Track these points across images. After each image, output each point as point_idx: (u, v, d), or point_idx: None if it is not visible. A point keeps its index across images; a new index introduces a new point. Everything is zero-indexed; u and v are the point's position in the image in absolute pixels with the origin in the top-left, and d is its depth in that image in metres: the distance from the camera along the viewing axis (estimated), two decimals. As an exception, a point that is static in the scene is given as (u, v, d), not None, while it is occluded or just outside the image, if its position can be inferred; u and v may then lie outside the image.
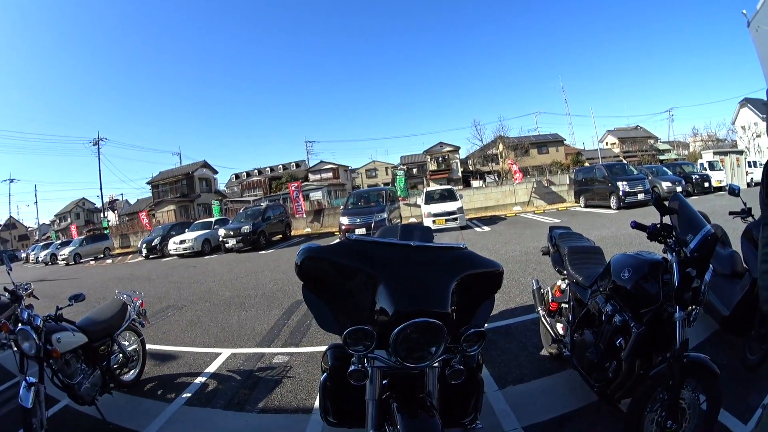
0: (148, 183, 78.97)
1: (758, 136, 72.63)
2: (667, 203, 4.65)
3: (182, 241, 30.50)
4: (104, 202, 78.72)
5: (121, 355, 7.03)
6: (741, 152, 50.56)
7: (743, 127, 76.56)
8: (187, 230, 33.98)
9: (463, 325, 3.52)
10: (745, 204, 7.51)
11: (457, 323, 3.57)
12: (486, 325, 7.89)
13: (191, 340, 9.66)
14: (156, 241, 33.63)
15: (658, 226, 4.48)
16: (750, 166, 45.58)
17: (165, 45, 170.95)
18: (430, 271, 3.66)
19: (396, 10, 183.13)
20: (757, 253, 5.84)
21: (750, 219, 7.25)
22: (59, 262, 42.65)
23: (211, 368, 7.82)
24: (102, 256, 43.77)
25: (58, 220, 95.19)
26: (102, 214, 74.93)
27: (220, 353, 8.49)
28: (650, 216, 4.60)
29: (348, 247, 3.84)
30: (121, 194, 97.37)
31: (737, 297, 6.30)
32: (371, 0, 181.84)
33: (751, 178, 43.21)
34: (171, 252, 30.72)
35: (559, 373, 6.37)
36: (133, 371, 7.37)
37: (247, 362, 7.96)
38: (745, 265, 6.61)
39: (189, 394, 6.88)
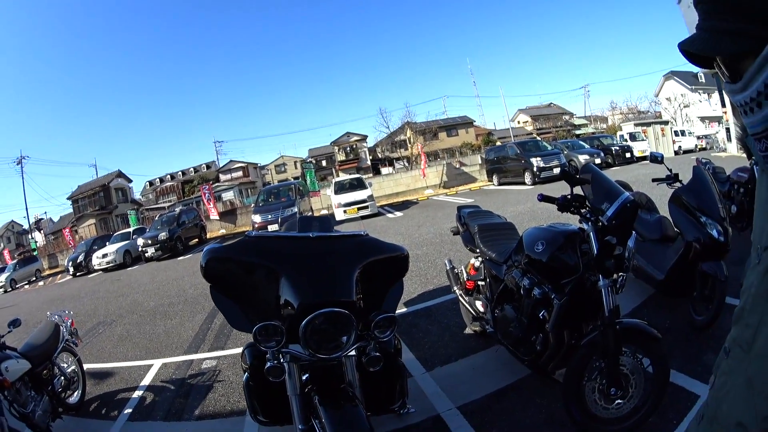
0: (68, 198, 77.24)
1: (686, 106, 74.75)
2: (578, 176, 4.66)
3: (104, 255, 30.07)
4: (30, 222, 77.17)
5: (62, 377, 6.87)
6: (666, 122, 52.23)
7: (668, 99, 78.31)
8: (108, 243, 33.46)
9: (373, 312, 3.56)
10: (670, 170, 7.58)
11: (366, 310, 3.63)
12: (404, 309, 8.20)
13: (123, 354, 9.56)
14: (81, 258, 32.97)
15: (568, 197, 4.47)
16: (677, 135, 46.80)
17: (60, 47, 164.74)
18: (332, 261, 3.73)
19: (292, 5, 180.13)
20: (691, 217, 6.28)
21: (677, 184, 7.28)
22: None
23: (146, 381, 7.77)
24: (34, 278, 42.59)
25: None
26: (30, 236, 73.31)
27: (152, 364, 8.45)
28: (568, 189, 4.58)
29: (249, 244, 3.86)
30: (45, 212, 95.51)
31: (671, 260, 6.44)
32: None
33: (679, 147, 44.62)
34: (96, 267, 30.21)
35: (486, 350, 6.41)
36: (76, 393, 7.22)
37: (178, 371, 7.94)
38: (676, 229, 6.72)
39: (130, 410, 6.81)
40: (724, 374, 1.51)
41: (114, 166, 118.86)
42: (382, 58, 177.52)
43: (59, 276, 38.35)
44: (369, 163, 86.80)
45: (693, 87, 75.07)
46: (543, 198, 4.72)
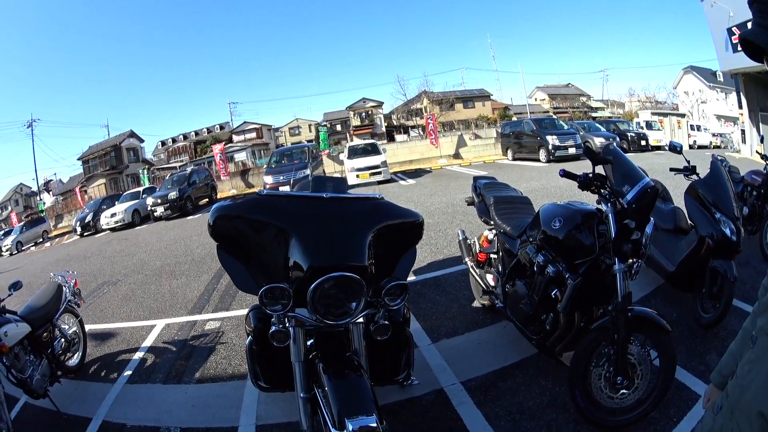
0: (78, 159, 77.19)
1: (704, 102, 74.01)
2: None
3: (113, 215, 29.99)
4: (39, 184, 77.24)
5: (63, 339, 6.83)
6: (683, 115, 52.47)
7: (686, 92, 77.93)
8: (117, 203, 33.27)
9: (384, 278, 3.51)
10: (688, 162, 7.51)
11: (377, 276, 3.58)
12: (413, 277, 8.11)
13: (127, 314, 9.56)
14: (89, 218, 32.89)
15: (590, 175, 4.42)
16: (692, 129, 46.81)
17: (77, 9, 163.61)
18: (345, 224, 3.68)
19: None
20: (706, 212, 6.22)
21: (694, 177, 7.24)
22: (4, 254, 40.72)
23: (148, 342, 7.78)
24: (41, 240, 42.40)
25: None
26: (38, 197, 73.32)
27: (155, 325, 8.46)
28: (582, 169, 4.58)
29: (259, 202, 3.82)
30: (55, 174, 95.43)
31: (683, 253, 6.38)
32: None
33: (694, 141, 44.37)
34: (103, 227, 30.20)
35: (493, 325, 6.39)
36: (76, 355, 7.19)
37: (180, 332, 7.97)
38: (690, 221, 6.69)
39: (130, 372, 6.81)
40: (749, 363, 1.51)
41: (126, 126, 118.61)
42: (402, 26, 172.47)
43: (66, 236, 38.46)
44: (384, 129, 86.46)
45: (711, 84, 73.74)
46: (565, 174, 4.65)
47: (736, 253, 5.94)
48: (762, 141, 13.71)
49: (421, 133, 69.30)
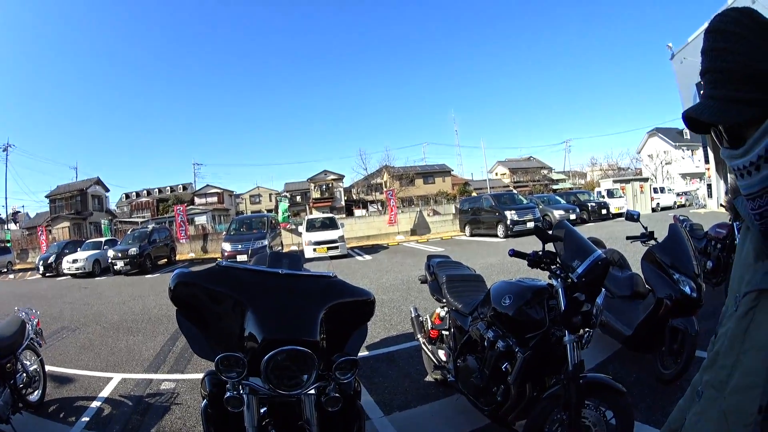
0: (46, 196, 76.94)
1: (668, 163, 75.76)
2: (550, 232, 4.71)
3: (75, 261, 29.75)
4: (8, 213, 76.73)
5: (24, 374, 6.82)
6: (646, 179, 52.15)
7: (650, 156, 79.42)
8: (79, 249, 33.12)
9: (335, 353, 3.54)
10: (645, 228, 7.68)
11: (328, 351, 3.60)
12: (367, 352, 8.13)
13: (85, 363, 9.50)
14: (51, 259, 32.73)
15: (540, 253, 4.49)
16: (656, 192, 47.57)
17: (59, 53, 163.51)
18: (299, 299, 3.71)
19: (283, 35, 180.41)
20: (663, 274, 6.33)
21: (652, 242, 7.38)
22: None
23: (105, 392, 7.71)
24: (5, 270, 42.07)
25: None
26: (5, 226, 72.60)
27: (112, 377, 8.38)
28: (540, 244, 4.65)
29: (218, 273, 3.83)
30: (23, 206, 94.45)
31: (640, 317, 6.43)
32: (257, 22, 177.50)
33: (657, 203, 45.37)
34: (65, 271, 29.92)
35: (446, 398, 6.40)
36: (37, 391, 7.18)
37: (136, 388, 7.88)
38: (647, 286, 6.75)
39: (87, 418, 6.76)
40: (696, 414, 1.58)
41: (94, 172, 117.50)
42: (367, 100, 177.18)
43: (29, 273, 38.05)
44: (343, 203, 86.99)
45: (677, 144, 76.43)
46: (514, 253, 4.74)
47: (697, 308, 6.09)
48: (727, 193, 14.00)
49: (380, 208, 69.67)
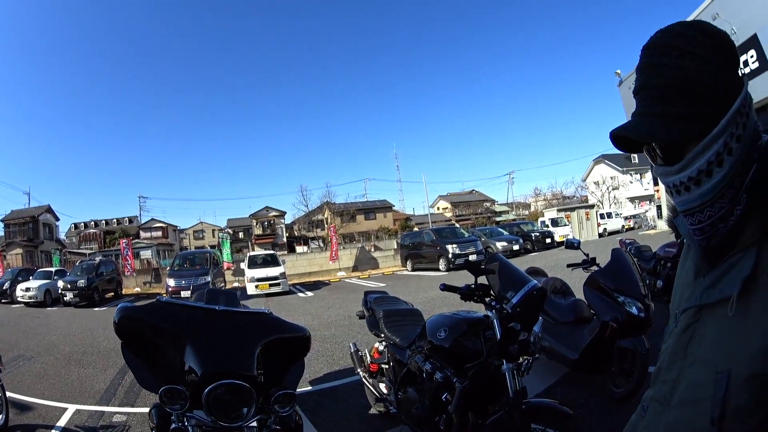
0: (1, 221, 75.06)
1: (615, 188, 76.64)
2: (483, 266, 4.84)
3: (28, 289, 29.47)
4: (-40, 234, 74.64)
5: None
6: (592, 206, 52.88)
7: (596, 183, 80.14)
8: (31, 278, 32.77)
9: (274, 387, 3.66)
10: (587, 255, 7.91)
11: (267, 385, 3.72)
12: (309, 387, 8.31)
13: (41, 392, 9.56)
14: (6, 285, 32.40)
15: (472, 286, 4.62)
16: (602, 217, 48.50)
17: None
18: (235, 335, 3.84)
19: (231, 67, 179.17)
20: (607, 298, 6.52)
21: (594, 268, 7.56)
22: None
23: (62, 422, 7.81)
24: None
25: None
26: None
27: (67, 408, 8.44)
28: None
29: (159, 308, 3.98)
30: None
31: (586, 340, 6.60)
32: (195, 57, 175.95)
33: (604, 229, 46.41)
34: (18, 299, 29.64)
35: (390, 429, 6.52)
36: (1, 415, 7.30)
37: (90, 419, 7.97)
38: (591, 310, 6.91)
39: None
40: (643, 428, 1.66)
41: (46, 199, 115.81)
42: (308, 135, 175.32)
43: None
44: (285, 240, 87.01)
45: (624, 169, 77.52)
46: (446, 287, 4.84)
47: (647, 327, 6.30)
48: (668, 219, 14.54)
49: (322, 244, 69.83)
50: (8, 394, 8.11)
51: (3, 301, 31.95)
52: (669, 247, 10.88)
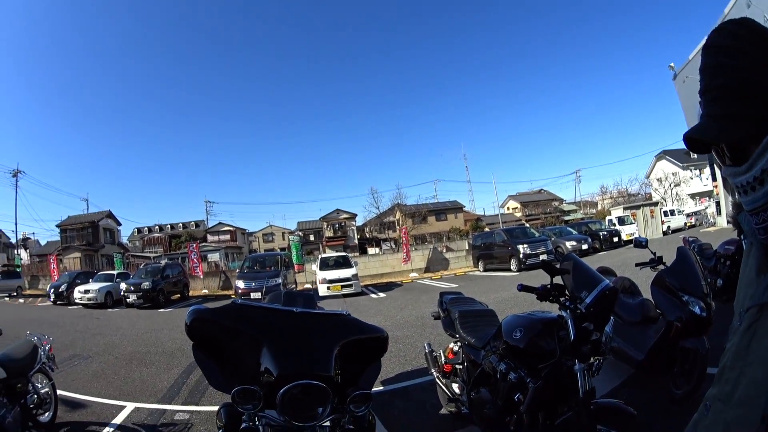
0: (57, 226, 77.21)
1: (677, 185, 75.52)
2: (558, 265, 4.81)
3: (87, 291, 29.75)
4: (18, 239, 76.74)
5: (35, 395, 6.92)
6: (656, 203, 52.26)
7: (659, 179, 79.32)
8: (91, 280, 33.16)
9: (350, 387, 3.56)
10: (654, 254, 7.80)
11: (343, 385, 3.63)
12: (382, 387, 8.18)
13: (97, 390, 9.54)
14: (63, 288, 32.87)
15: (548, 286, 4.62)
16: (666, 215, 47.44)
17: (76, 86, 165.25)
18: (313, 336, 3.78)
19: (302, 75, 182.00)
20: (673, 297, 6.41)
21: (661, 267, 7.46)
22: None
23: (118, 420, 7.75)
24: (15, 294, 42.56)
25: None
26: (15, 251, 72.86)
27: (125, 406, 8.39)
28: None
29: (233, 310, 3.89)
30: (33, 233, 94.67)
31: (651, 341, 6.51)
32: (276, 65, 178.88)
33: (668, 227, 45.30)
34: (76, 300, 29.92)
35: (460, 430, 6.39)
36: (48, 413, 7.27)
37: (150, 417, 7.90)
38: (658, 310, 6.78)
39: None
40: (704, 428, 1.60)
41: (105, 205, 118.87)
42: (377, 139, 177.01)
43: (39, 299, 38.22)
44: (356, 241, 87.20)
45: (685, 164, 76.06)
46: (523, 288, 4.88)
47: (708, 327, 6.14)
48: (730, 216, 13.97)
49: (393, 246, 69.59)
50: (60, 392, 8.16)
51: (59, 302, 32.40)
52: (728, 244, 10.65)
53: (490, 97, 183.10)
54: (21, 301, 38.28)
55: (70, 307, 29.97)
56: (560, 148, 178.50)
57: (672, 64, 40.35)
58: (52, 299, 33.03)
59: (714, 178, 45.32)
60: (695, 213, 55.39)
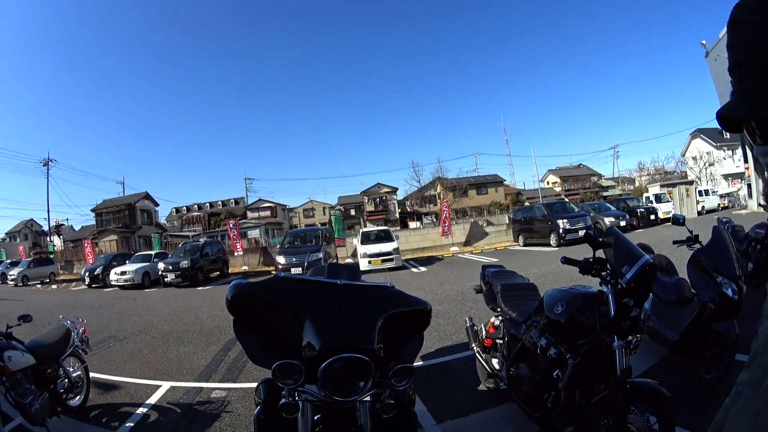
0: (92, 210, 78.31)
1: (711, 164, 75.24)
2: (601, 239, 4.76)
3: (123, 273, 30.17)
4: (51, 226, 77.87)
5: (66, 380, 6.97)
6: (691, 182, 52.21)
7: (694, 158, 78.93)
8: (128, 261, 33.61)
9: (392, 361, 3.55)
10: (691, 232, 7.76)
11: (385, 359, 3.62)
12: (421, 362, 8.16)
13: (132, 371, 9.61)
14: (98, 271, 33.26)
15: (591, 260, 4.58)
16: (701, 195, 47.11)
17: (110, 71, 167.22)
18: (357, 309, 3.71)
19: (340, 48, 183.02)
20: (707, 278, 6.36)
21: (697, 246, 7.43)
22: (9, 282, 42.26)
23: (152, 399, 7.79)
24: (48, 280, 43.14)
25: (8, 239, 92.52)
26: (48, 238, 74.08)
27: (160, 386, 8.46)
28: (591, 251, 4.72)
29: (276, 284, 3.89)
30: (67, 219, 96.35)
31: (686, 321, 6.45)
32: (314, 38, 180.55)
33: (702, 206, 45.03)
34: (112, 282, 30.36)
35: (498, 406, 6.37)
36: (78, 397, 7.31)
37: (186, 396, 7.93)
38: (693, 290, 6.75)
39: (132, 424, 6.84)
40: (735, 414, 1.55)
41: (142, 186, 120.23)
42: (418, 112, 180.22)
43: (74, 284, 38.83)
44: (397, 215, 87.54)
45: (718, 144, 75.83)
46: (566, 261, 4.85)
47: (739, 311, 6.10)
48: (764, 191, 13.87)
49: (434, 220, 69.47)
50: (94, 374, 8.29)
51: (94, 286, 32.85)
52: (759, 228, 10.56)
53: (529, 69, 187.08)
54: (54, 287, 38.73)
55: (105, 290, 30.30)
56: (599, 123, 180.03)
57: (704, 42, 40.04)
58: (86, 283, 33.54)
59: (746, 160, 45.34)
60: (728, 194, 55.12)
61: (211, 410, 7.28)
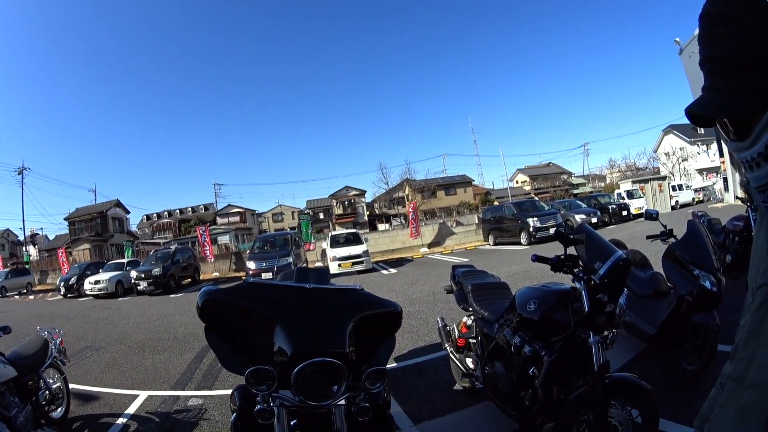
0: (65, 219, 77.86)
1: (684, 160, 75.76)
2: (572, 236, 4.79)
3: (97, 282, 30.03)
4: (26, 236, 77.80)
5: (47, 391, 6.95)
6: (664, 178, 52.10)
7: (666, 154, 79.46)
8: (101, 270, 33.52)
9: (364, 364, 3.56)
10: (665, 226, 7.79)
11: (358, 362, 3.62)
12: (395, 364, 8.17)
13: (110, 381, 9.59)
14: (73, 280, 33.21)
15: (562, 257, 4.57)
16: (674, 189, 47.69)
17: (78, 77, 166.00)
18: (327, 313, 3.74)
19: (299, 49, 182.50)
20: (684, 271, 6.41)
21: (672, 240, 7.46)
22: None
23: (131, 409, 7.77)
24: (25, 291, 42.94)
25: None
26: (24, 248, 73.39)
27: (138, 395, 8.44)
28: (562, 249, 4.70)
29: (245, 289, 3.90)
30: (41, 228, 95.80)
31: (663, 315, 6.48)
32: (272, 39, 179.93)
33: (676, 201, 45.53)
34: (87, 292, 30.24)
35: (475, 405, 6.40)
36: (60, 408, 7.30)
37: (163, 404, 7.93)
38: (669, 284, 6.80)
39: None
40: (719, 407, 1.55)
41: (113, 194, 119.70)
42: (384, 114, 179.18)
43: (50, 294, 38.55)
44: (366, 218, 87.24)
45: (692, 140, 76.26)
46: (537, 258, 4.81)
47: (718, 303, 6.14)
48: (742, 182, 14.04)
49: (403, 221, 68.95)
50: (73, 386, 8.28)
51: (69, 295, 32.74)
52: (736, 220, 10.67)
53: (497, 68, 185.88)
54: (31, 297, 38.50)
55: (80, 299, 30.12)
56: (568, 121, 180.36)
57: (677, 39, 40.21)
58: (62, 293, 33.44)
59: (721, 154, 45.33)
60: (703, 188, 55.75)
61: (188, 418, 7.28)
